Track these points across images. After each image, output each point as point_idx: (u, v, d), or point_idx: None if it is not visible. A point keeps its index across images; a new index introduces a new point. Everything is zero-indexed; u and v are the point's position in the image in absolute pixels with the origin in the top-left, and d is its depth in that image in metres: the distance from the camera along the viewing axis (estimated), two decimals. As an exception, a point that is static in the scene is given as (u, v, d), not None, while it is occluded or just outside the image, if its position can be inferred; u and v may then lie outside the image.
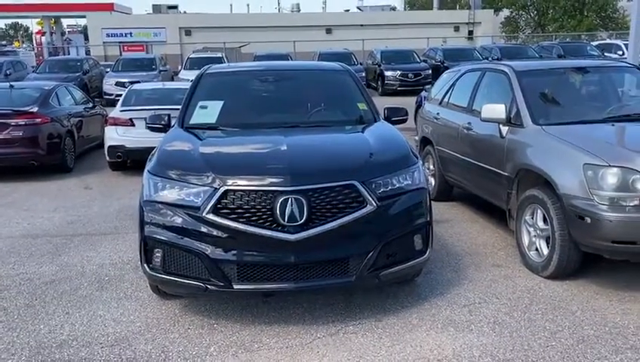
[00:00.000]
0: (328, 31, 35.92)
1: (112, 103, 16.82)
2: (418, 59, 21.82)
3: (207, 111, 4.82)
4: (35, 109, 8.86)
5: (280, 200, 3.43)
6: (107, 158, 9.16)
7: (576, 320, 3.75)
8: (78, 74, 18.82)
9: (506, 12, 42.01)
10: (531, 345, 3.46)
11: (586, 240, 4.09)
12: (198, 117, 4.75)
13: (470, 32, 38.25)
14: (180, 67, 22.91)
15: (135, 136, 8.85)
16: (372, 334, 3.64)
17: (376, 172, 3.69)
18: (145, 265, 3.74)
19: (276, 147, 3.90)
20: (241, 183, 3.52)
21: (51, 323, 3.88)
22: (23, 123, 8.56)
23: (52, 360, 3.40)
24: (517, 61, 6.03)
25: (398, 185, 3.74)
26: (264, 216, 3.46)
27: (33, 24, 52.22)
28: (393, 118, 4.94)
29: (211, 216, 3.48)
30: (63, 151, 9.15)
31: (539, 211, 4.49)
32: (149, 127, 4.97)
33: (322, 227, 3.47)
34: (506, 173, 5.00)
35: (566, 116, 4.96)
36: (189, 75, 18.03)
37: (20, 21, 76.13)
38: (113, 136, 8.96)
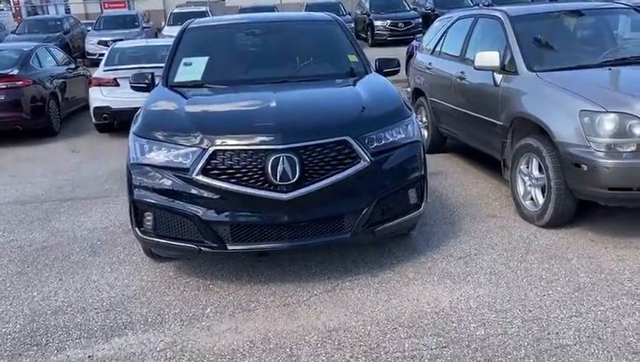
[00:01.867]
0: (315, -19, 34.86)
1: (96, 63, 16.34)
2: (408, 8, 21.29)
3: (192, 68, 4.65)
4: (16, 72, 8.62)
5: (271, 159, 3.34)
6: (93, 120, 8.98)
7: (572, 268, 3.75)
8: (59, 34, 18.26)
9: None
10: (528, 294, 3.46)
11: (582, 188, 4.05)
12: (183, 74, 4.59)
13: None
14: (163, 23, 22.27)
15: (120, 97, 8.63)
16: (368, 289, 3.63)
17: (369, 127, 3.59)
18: (136, 228, 3.67)
19: (265, 104, 3.78)
20: (230, 143, 3.41)
21: (45, 290, 3.84)
22: (4, 86, 8.33)
23: (47, 327, 3.37)
24: (510, 6, 5.81)
25: (391, 140, 3.65)
26: (255, 176, 3.37)
27: (9, -18, 50.23)
28: (385, 70, 4.80)
29: (201, 178, 3.39)
30: (48, 114, 8.96)
31: (534, 160, 4.43)
32: (132, 87, 4.80)
33: (315, 185, 3.39)
34: (500, 123, 4.92)
35: (561, 62, 4.84)
36: (173, 32, 17.43)
37: (-5, -20, 73.26)
38: (98, 97, 8.75)
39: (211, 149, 3.39)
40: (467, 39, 5.88)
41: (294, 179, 3.35)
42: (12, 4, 34.11)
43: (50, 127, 9.03)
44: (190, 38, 4.93)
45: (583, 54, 5.10)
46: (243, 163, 3.38)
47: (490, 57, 4.92)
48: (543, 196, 4.37)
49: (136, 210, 3.62)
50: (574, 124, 3.99)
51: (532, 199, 4.54)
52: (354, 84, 4.29)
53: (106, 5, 32.46)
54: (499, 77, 4.95)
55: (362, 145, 3.49)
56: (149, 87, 4.66)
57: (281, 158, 3.34)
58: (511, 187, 4.80)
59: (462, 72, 5.71)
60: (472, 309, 3.33)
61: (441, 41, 6.60)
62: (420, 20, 19.70)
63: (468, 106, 5.58)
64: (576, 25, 5.48)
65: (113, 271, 4.10)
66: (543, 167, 4.30)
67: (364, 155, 3.48)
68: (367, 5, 21.25)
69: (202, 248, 3.49)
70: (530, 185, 4.55)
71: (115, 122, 8.90)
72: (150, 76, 4.71)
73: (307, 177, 3.39)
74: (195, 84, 4.45)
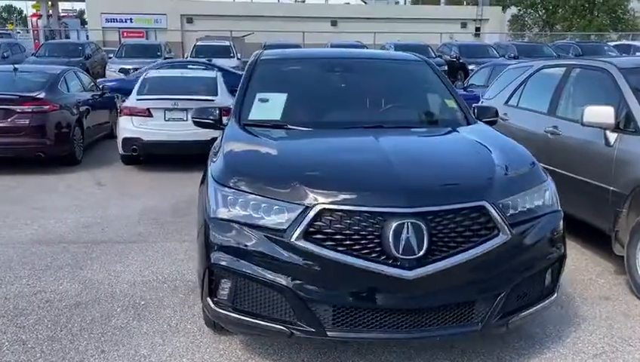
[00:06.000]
0: (333, 23, 35.01)
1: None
2: (433, 54, 20.99)
3: (269, 105, 4.02)
4: (43, 95, 8.00)
5: (393, 226, 2.65)
6: (120, 151, 8.33)
7: None
8: (79, 59, 17.87)
9: (513, 9, 41.24)
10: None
11: None
12: (258, 112, 3.94)
13: (477, 29, 37.48)
14: (184, 54, 21.95)
15: (152, 128, 8.06)
16: (494, 394, 2.89)
17: (506, 190, 2.91)
18: (208, 298, 2.94)
19: (378, 155, 3.09)
20: (341, 201, 2.72)
21: (85, 367, 3.10)
22: (30, 110, 7.69)
23: (92, 424, 2.62)
24: (616, 58, 5.25)
25: (528, 208, 2.97)
26: (370, 246, 2.67)
27: (28, 7, 50.70)
28: (484, 119, 4.17)
29: (302, 243, 2.69)
30: (72, 141, 8.32)
31: (667, 237, 3.76)
32: (195, 122, 4.14)
33: (446, 261, 2.68)
34: (614, 189, 4.26)
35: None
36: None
37: (14, 4, 74.48)
38: (128, 127, 8.13)
39: (317, 208, 2.70)
40: (558, 91, 5.28)
41: (421, 253, 2.65)
42: (31, 27, 34.11)
43: (73, 155, 8.38)
44: (263, 71, 4.30)
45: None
46: (355, 228, 2.69)
47: (603, 113, 4.31)
48: (679, 281, 3.68)
49: (212, 275, 2.89)
50: None
51: (660, 283, 3.84)
52: (472, 137, 3.60)
53: (125, 34, 32.43)
54: (613, 136, 4.32)
55: (501, 214, 2.81)
56: (215, 125, 4.00)
57: (406, 225, 2.65)
58: (627, 266, 4.10)
59: (554, 127, 5.09)
60: None
61: (519, 92, 6.01)
62: (446, 68, 19.36)
63: (562, 166, 4.93)
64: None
65: (166, 343, 3.35)
66: (680, 246, 3.63)
67: (504, 226, 2.79)
68: (392, 50, 20.97)
69: (294, 331, 2.76)
70: (658, 266, 3.86)
71: (142, 156, 8.28)
72: (217, 112, 4.06)
73: (435, 251, 2.69)
74: (274, 124, 3.79)
